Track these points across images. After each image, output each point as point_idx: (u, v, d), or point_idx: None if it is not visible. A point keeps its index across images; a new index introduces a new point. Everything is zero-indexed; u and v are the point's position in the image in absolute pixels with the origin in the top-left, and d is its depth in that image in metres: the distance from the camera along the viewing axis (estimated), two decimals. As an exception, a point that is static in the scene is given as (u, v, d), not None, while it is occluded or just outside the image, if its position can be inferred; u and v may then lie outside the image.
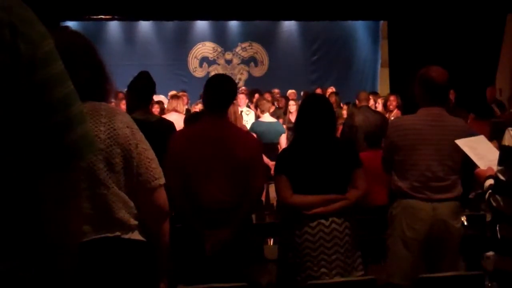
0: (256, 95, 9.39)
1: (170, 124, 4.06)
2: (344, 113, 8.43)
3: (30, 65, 1.06)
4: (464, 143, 2.54)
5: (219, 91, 3.09)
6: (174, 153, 3.00)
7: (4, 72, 1.04)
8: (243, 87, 11.52)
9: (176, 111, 6.87)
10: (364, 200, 3.27)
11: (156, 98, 9.37)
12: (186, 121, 5.85)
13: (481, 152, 2.43)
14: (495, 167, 2.14)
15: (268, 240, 4.67)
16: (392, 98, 8.04)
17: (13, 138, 1.06)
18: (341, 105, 9.11)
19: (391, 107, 7.88)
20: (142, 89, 3.78)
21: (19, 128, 1.07)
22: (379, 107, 8.33)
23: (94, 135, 1.21)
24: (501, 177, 2.00)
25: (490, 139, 5.30)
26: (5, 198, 1.07)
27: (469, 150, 2.47)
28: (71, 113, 1.12)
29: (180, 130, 3.66)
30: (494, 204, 2.03)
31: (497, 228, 2.16)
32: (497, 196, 2.01)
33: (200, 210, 2.99)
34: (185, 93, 9.39)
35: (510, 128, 2.01)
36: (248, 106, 8.62)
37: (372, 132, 4.96)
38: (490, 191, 2.07)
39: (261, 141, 5.89)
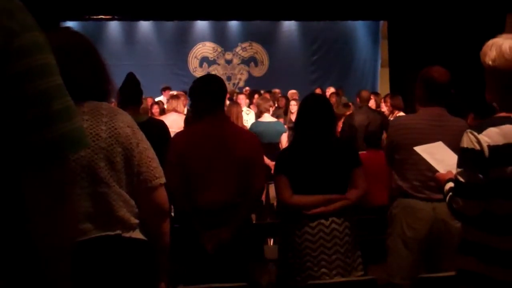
0: (256, 96, 9.40)
1: (160, 124, 4.06)
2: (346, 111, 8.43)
3: (2, 56, 1.02)
4: (422, 150, 2.58)
5: (213, 92, 3.09)
6: (175, 153, 3.00)
7: None
8: (246, 88, 11.54)
9: (176, 111, 6.88)
10: (363, 200, 3.27)
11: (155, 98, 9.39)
12: (186, 121, 5.86)
13: (440, 157, 2.48)
14: (454, 171, 2.16)
15: (268, 240, 4.67)
16: (386, 98, 8.05)
17: None
18: (343, 98, 9.08)
19: (385, 107, 7.89)
20: (130, 91, 3.81)
21: None
22: (383, 107, 8.33)
23: (83, 133, 1.13)
24: (461, 179, 2.02)
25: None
26: None
27: (428, 156, 2.51)
28: (52, 109, 1.06)
29: (181, 131, 3.66)
30: (454, 206, 2.05)
31: (466, 230, 2.17)
32: (457, 198, 2.04)
33: (200, 210, 3.00)
34: (182, 93, 9.40)
35: (468, 131, 2.04)
36: (248, 107, 8.63)
37: (371, 132, 4.97)
38: (451, 193, 2.09)
39: (261, 141, 5.91)
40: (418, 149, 2.59)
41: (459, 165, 2.06)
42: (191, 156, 3.01)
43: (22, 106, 1.03)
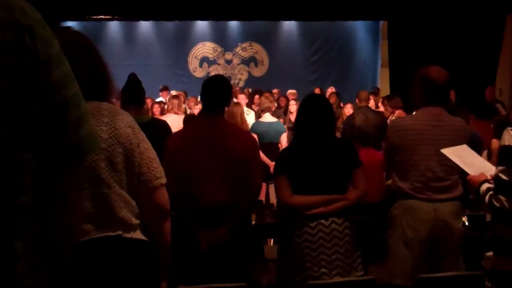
0: (256, 96, 9.40)
1: (163, 124, 4.08)
2: (345, 111, 8.43)
3: (47, 66, 1.08)
4: (451, 152, 2.58)
5: (213, 92, 3.12)
6: (171, 153, 3.02)
7: (28, 77, 1.05)
8: (249, 89, 11.54)
9: (176, 111, 6.90)
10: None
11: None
12: (185, 121, 5.88)
13: (468, 159, 2.49)
14: (487, 174, 2.15)
15: (268, 240, 4.67)
16: (384, 100, 8.04)
17: (32, 138, 1.08)
18: (341, 104, 9.11)
19: (383, 108, 7.88)
20: (132, 91, 3.83)
21: (37, 127, 1.08)
22: (381, 108, 8.33)
23: (97, 134, 1.24)
24: (504, 177, 2.00)
25: (494, 137, 5.30)
26: (19, 195, 1.07)
27: (457, 158, 2.52)
28: (81, 111, 1.15)
29: (177, 131, 3.68)
30: (497, 204, 2.03)
31: (497, 228, 2.17)
32: (500, 197, 2.01)
33: (197, 210, 3.01)
34: (182, 93, 9.40)
35: (509, 128, 2.02)
36: (250, 107, 8.62)
37: (365, 130, 4.93)
38: (491, 192, 2.07)
39: (261, 141, 5.91)
40: (446, 151, 2.59)
41: (500, 163, 2.03)
42: (187, 156, 3.03)
43: (60, 111, 1.11)
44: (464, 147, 2.64)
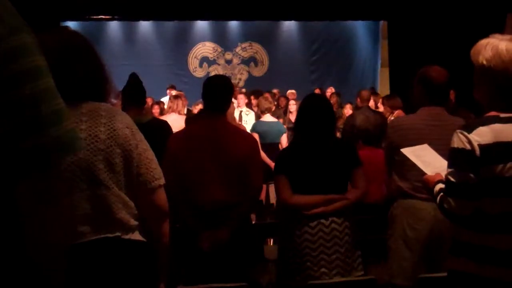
0: (252, 96, 9.40)
1: (163, 124, 4.07)
2: (346, 112, 8.43)
3: None
4: (409, 152, 2.58)
5: (214, 92, 3.12)
6: (172, 153, 3.02)
7: None
8: (243, 89, 11.55)
9: (176, 111, 6.90)
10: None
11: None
12: (187, 121, 5.88)
13: (427, 159, 2.49)
14: (443, 173, 2.16)
15: (268, 240, 4.67)
16: (383, 101, 8.03)
17: None
18: (342, 105, 9.11)
19: (382, 108, 7.87)
20: (133, 91, 3.82)
21: None
22: (380, 108, 8.32)
23: (75, 137, 1.10)
24: (452, 179, 2.03)
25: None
26: None
27: (415, 158, 2.52)
28: (40, 113, 1.03)
29: (177, 132, 3.68)
30: (446, 206, 2.06)
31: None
32: (449, 198, 2.04)
33: (198, 210, 3.01)
34: (182, 93, 9.40)
35: (458, 131, 2.05)
36: (250, 107, 8.62)
37: (367, 130, 4.93)
38: (441, 194, 2.09)
39: (262, 141, 5.92)
40: (405, 151, 2.60)
41: (450, 165, 2.07)
42: (187, 156, 3.03)
43: (10, 112, 1.01)
44: (425, 147, 2.64)
